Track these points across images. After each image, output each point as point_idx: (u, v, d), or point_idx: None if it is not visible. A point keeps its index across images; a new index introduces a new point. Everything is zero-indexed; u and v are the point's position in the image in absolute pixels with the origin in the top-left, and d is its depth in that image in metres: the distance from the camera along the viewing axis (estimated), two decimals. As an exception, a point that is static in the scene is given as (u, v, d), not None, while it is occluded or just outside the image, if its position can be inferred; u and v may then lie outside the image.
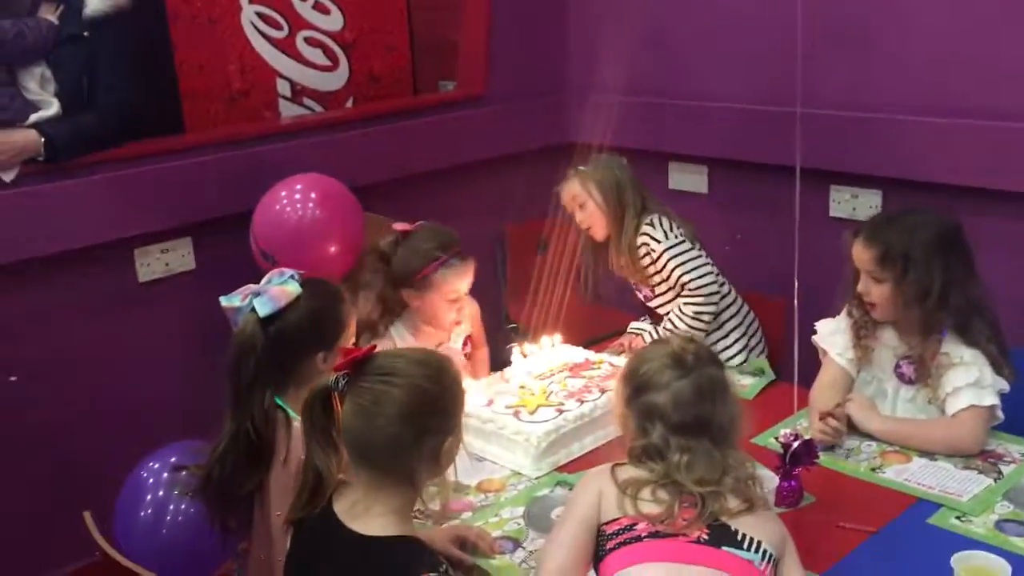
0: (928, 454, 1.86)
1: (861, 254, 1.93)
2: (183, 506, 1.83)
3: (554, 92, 3.46)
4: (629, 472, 1.46)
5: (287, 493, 1.62)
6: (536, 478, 1.87)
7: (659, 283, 2.52)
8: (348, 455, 1.40)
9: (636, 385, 1.49)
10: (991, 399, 1.87)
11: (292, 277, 1.73)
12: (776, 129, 2.70)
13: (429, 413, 1.39)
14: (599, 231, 2.56)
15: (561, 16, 3.43)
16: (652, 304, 2.60)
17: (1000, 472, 1.79)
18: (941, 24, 2.54)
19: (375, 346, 1.46)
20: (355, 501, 1.39)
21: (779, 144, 2.65)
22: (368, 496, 1.39)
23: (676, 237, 2.47)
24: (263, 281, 1.74)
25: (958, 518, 1.65)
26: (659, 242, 2.46)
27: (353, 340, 1.79)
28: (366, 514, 1.38)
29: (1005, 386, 1.89)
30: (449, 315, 2.27)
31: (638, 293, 2.63)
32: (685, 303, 2.47)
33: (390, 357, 1.42)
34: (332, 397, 1.38)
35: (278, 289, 1.70)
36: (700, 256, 2.48)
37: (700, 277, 2.44)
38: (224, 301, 1.72)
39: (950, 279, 1.87)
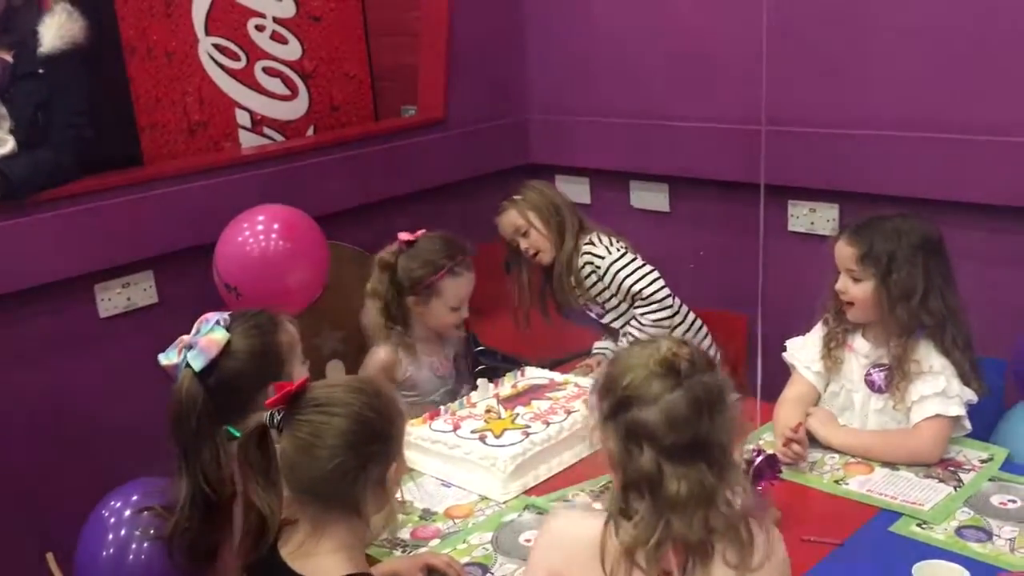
0: (890, 464, 1.89)
1: (843, 251, 1.96)
2: (146, 546, 1.81)
3: (515, 114, 3.48)
4: (609, 542, 1.25)
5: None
6: (504, 502, 1.87)
7: (608, 298, 2.55)
8: (291, 493, 1.38)
9: (618, 399, 1.26)
10: (956, 410, 1.89)
11: (218, 322, 1.70)
12: (736, 146, 2.74)
13: (372, 440, 1.38)
14: (546, 255, 2.60)
15: (521, 38, 3.45)
16: (605, 320, 2.63)
17: (960, 480, 1.81)
18: (897, 40, 2.59)
19: (308, 379, 1.44)
20: (301, 541, 1.37)
21: (739, 161, 2.70)
22: (315, 534, 1.37)
23: (618, 250, 2.52)
24: (192, 332, 1.71)
25: (919, 526, 1.67)
26: (603, 257, 2.52)
27: (300, 352, 1.77)
28: (314, 553, 1.36)
29: (973, 397, 1.92)
30: (452, 323, 2.36)
31: (589, 312, 2.65)
32: (642, 312, 2.50)
33: (325, 388, 1.41)
34: (267, 434, 1.35)
35: (206, 340, 1.67)
36: (645, 265, 2.52)
37: (650, 284, 2.49)
38: (162, 359, 1.70)
39: (931, 283, 1.91)
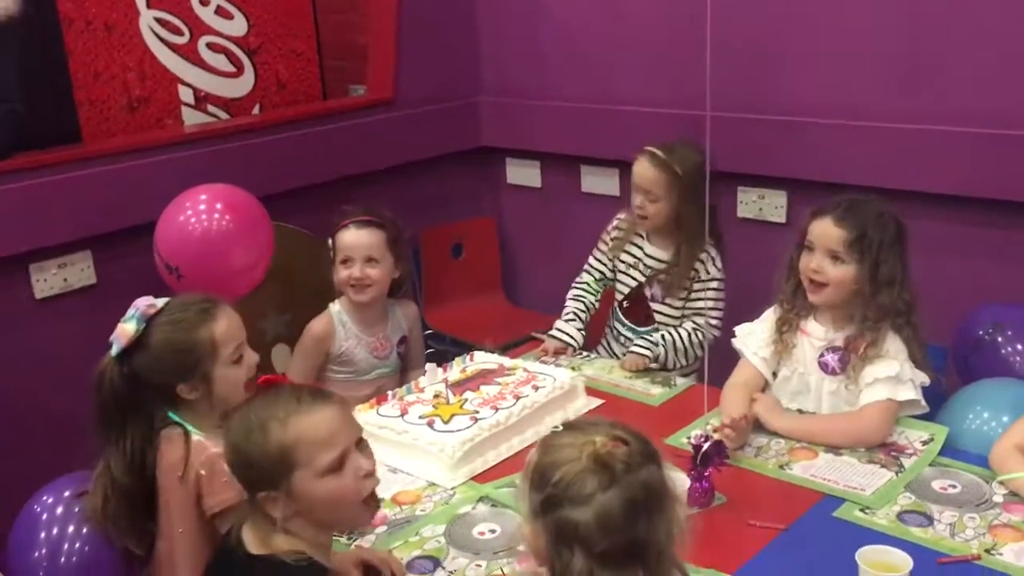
0: (833, 449, 1.90)
1: (830, 232, 1.93)
2: (78, 545, 1.76)
3: (466, 96, 3.44)
4: None
5: (188, 506, 1.62)
6: (452, 488, 1.85)
7: (682, 297, 2.49)
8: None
9: (549, 494, 1.17)
10: (907, 393, 1.92)
11: (136, 313, 1.69)
12: (686, 132, 2.74)
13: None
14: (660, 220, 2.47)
15: (471, 20, 3.42)
16: (656, 307, 2.54)
17: (901, 465, 1.84)
18: (844, 28, 2.61)
19: (284, 375, 1.47)
20: (252, 522, 1.40)
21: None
22: (253, 514, 1.39)
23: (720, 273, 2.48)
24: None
25: (862, 511, 1.69)
26: (715, 270, 2.46)
27: (235, 347, 1.73)
28: (257, 532, 1.38)
29: (926, 380, 1.95)
30: (341, 275, 2.38)
31: (647, 289, 2.53)
32: (695, 329, 2.44)
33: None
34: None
35: (119, 328, 1.68)
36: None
37: (720, 318, 2.46)
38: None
39: (905, 272, 1.94)
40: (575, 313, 2.53)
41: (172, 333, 1.70)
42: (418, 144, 3.30)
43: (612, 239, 2.58)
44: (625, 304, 2.57)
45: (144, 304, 1.70)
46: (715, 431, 1.87)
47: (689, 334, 2.43)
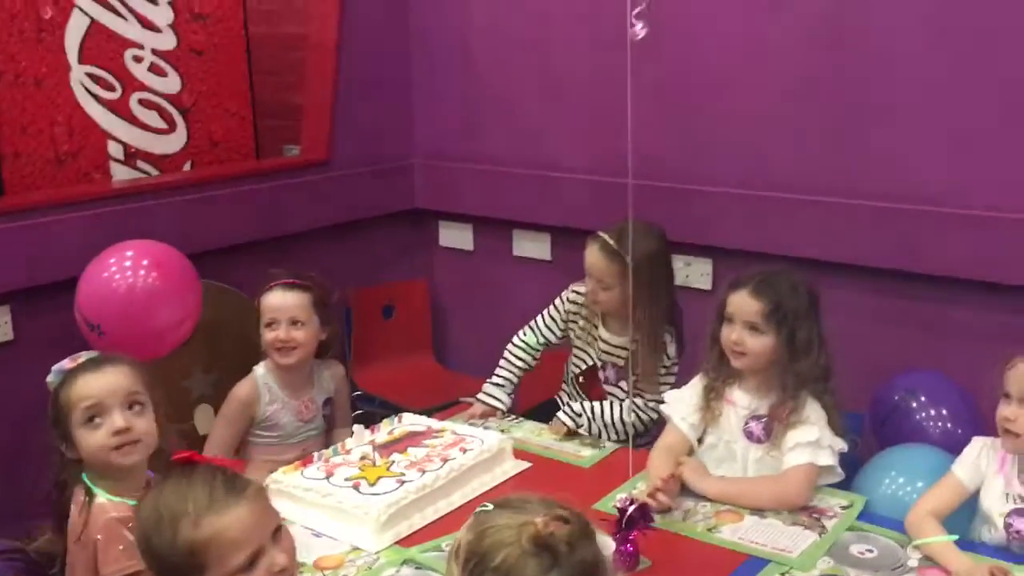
0: (759, 512, 1.93)
1: (747, 304, 1.99)
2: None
3: (400, 158, 3.48)
4: None
5: (88, 571, 1.59)
6: (376, 552, 1.82)
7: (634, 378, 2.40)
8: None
9: None
10: (826, 459, 1.97)
11: (57, 369, 1.74)
12: (613, 199, 2.79)
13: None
14: (612, 306, 2.40)
15: (406, 83, 3.46)
16: (608, 388, 2.49)
17: (824, 527, 1.87)
18: (763, 104, 2.72)
19: (194, 453, 1.43)
20: None
21: (614, 214, 2.76)
22: None
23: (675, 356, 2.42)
24: None
25: (783, 574, 1.71)
26: (671, 354, 2.40)
27: (85, 408, 1.69)
28: None
29: (844, 447, 2.00)
30: (267, 338, 2.36)
31: (600, 372, 2.50)
32: (634, 408, 2.36)
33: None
34: None
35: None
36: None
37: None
38: None
39: (820, 339, 1.99)
40: (506, 377, 2.51)
41: (58, 387, 1.71)
42: (351, 205, 3.31)
43: (567, 311, 2.52)
44: (580, 379, 2.55)
45: (68, 360, 1.73)
46: (648, 495, 1.88)
47: (621, 411, 2.36)
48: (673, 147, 2.84)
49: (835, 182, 2.63)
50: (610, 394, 2.50)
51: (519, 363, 2.54)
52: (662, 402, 2.23)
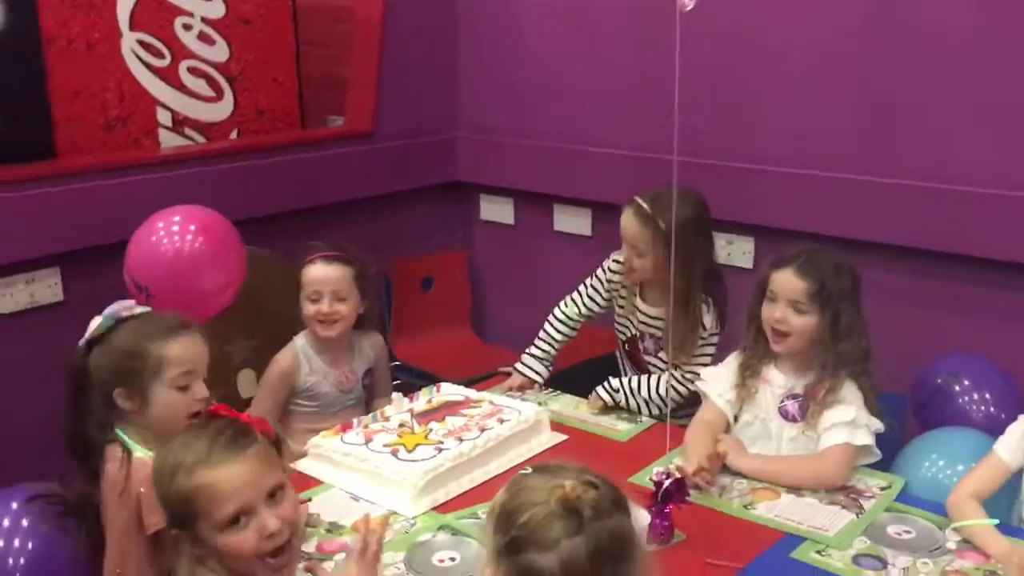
0: (795, 490, 1.93)
1: (792, 283, 1.97)
2: (31, 545, 1.75)
3: (444, 132, 3.48)
4: None
5: (130, 524, 1.62)
6: (413, 517, 1.85)
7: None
8: None
9: (512, 537, 1.14)
10: (863, 439, 1.96)
11: (111, 312, 1.74)
12: (655, 175, 2.78)
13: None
14: (646, 274, 2.39)
15: (452, 57, 3.47)
16: (648, 359, 2.49)
17: (861, 507, 1.87)
18: (810, 79, 2.68)
19: (223, 406, 1.48)
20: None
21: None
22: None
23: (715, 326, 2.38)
24: None
25: (819, 552, 1.71)
26: (710, 324, 2.35)
27: (182, 372, 1.74)
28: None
29: (880, 427, 1.98)
30: (310, 311, 2.37)
31: (640, 343, 2.49)
32: (672, 379, 2.33)
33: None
34: None
35: (93, 321, 1.74)
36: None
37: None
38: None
39: (862, 321, 1.99)
40: (544, 350, 2.52)
41: (128, 336, 1.73)
42: (394, 177, 3.32)
43: (608, 280, 2.51)
44: (626, 347, 2.56)
45: (121, 305, 1.75)
46: (693, 473, 1.88)
47: (658, 385, 2.34)
48: (717, 123, 2.81)
49: (880, 161, 2.59)
50: (650, 364, 2.49)
51: (558, 335, 2.53)
52: (699, 375, 2.22)
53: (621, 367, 2.60)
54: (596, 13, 3.09)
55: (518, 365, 2.50)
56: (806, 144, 2.72)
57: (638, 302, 2.46)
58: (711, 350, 2.38)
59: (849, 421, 1.95)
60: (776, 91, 2.75)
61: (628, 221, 2.35)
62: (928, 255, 2.55)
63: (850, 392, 1.98)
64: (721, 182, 2.79)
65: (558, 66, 3.23)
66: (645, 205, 2.32)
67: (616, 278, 2.50)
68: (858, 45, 2.59)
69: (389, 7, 3.23)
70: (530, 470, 1.24)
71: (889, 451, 2.06)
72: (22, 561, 1.78)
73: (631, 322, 2.50)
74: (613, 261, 2.50)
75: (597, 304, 2.53)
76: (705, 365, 2.32)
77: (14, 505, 1.83)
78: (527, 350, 2.53)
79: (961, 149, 2.48)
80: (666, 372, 2.37)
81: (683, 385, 2.34)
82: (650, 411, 2.35)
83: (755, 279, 2.14)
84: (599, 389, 2.38)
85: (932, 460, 2.03)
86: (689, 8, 1.67)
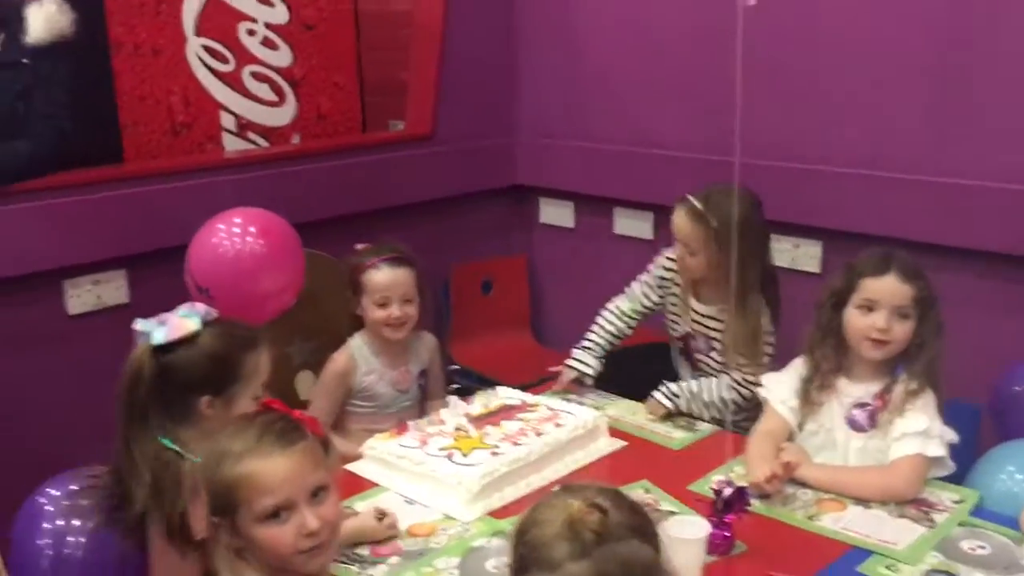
0: (863, 502, 1.86)
1: (897, 289, 1.91)
2: (83, 539, 1.76)
3: (503, 135, 3.47)
4: None
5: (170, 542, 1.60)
6: (467, 522, 1.83)
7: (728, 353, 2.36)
8: None
9: (521, 555, 1.12)
10: (936, 450, 1.88)
11: (198, 313, 1.70)
12: (718, 178, 2.72)
13: None
14: (698, 273, 2.37)
15: (511, 60, 3.45)
16: (700, 358, 2.46)
17: (932, 521, 1.79)
18: (877, 78, 2.60)
19: (276, 401, 1.48)
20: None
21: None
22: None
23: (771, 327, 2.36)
24: (174, 311, 1.73)
25: (888, 567, 1.64)
26: (766, 325, 2.32)
27: (261, 383, 1.75)
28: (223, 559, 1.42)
29: (954, 438, 1.91)
30: (378, 316, 2.35)
31: (692, 341, 2.47)
32: (732, 384, 2.32)
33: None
34: None
35: (177, 321, 1.68)
36: None
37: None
38: (139, 324, 1.71)
39: (942, 325, 1.93)
40: (595, 342, 2.47)
41: (225, 342, 1.71)
42: (453, 180, 3.32)
43: (659, 277, 2.48)
44: (680, 344, 2.52)
45: (204, 308, 1.73)
46: (765, 480, 1.83)
47: (721, 389, 2.31)
48: (780, 125, 2.74)
49: (952, 162, 2.49)
50: (701, 362, 2.45)
51: (610, 327, 2.49)
52: (759, 377, 2.17)
53: (676, 363, 2.56)
54: (656, 13, 3.04)
55: (568, 360, 2.46)
56: (875, 145, 2.63)
57: (692, 301, 2.42)
58: (770, 350, 2.33)
59: (922, 431, 1.87)
60: (843, 90, 2.67)
61: (680, 219, 2.33)
62: (1004, 259, 2.45)
63: (922, 400, 1.91)
64: (786, 184, 2.72)
65: (618, 68, 3.19)
66: (697, 203, 2.29)
67: (669, 275, 2.47)
68: (930, 41, 2.50)
69: (449, 11, 3.23)
70: (558, 488, 1.21)
71: (962, 463, 1.97)
72: (79, 550, 1.78)
73: (684, 321, 2.46)
74: (666, 258, 2.47)
75: (650, 300, 2.51)
76: (764, 367, 2.27)
77: (70, 487, 1.83)
78: (576, 346, 2.49)
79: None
80: (726, 375, 2.32)
81: (745, 387, 2.29)
82: (711, 416, 2.30)
83: (821, 284, 2.08)
84: (658, 395, 2.33)
85: (1008, 473, 1.93)
86: (752, 3, 1.62)
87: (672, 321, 2.51)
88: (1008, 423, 2.17)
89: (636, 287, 2.52)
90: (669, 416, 2.30)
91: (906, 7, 2.52)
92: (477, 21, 3.33)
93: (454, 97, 3.30)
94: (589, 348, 2.48)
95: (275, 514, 1.37)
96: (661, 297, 2.50)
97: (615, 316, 2.52)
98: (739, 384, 2.30)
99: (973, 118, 2.47)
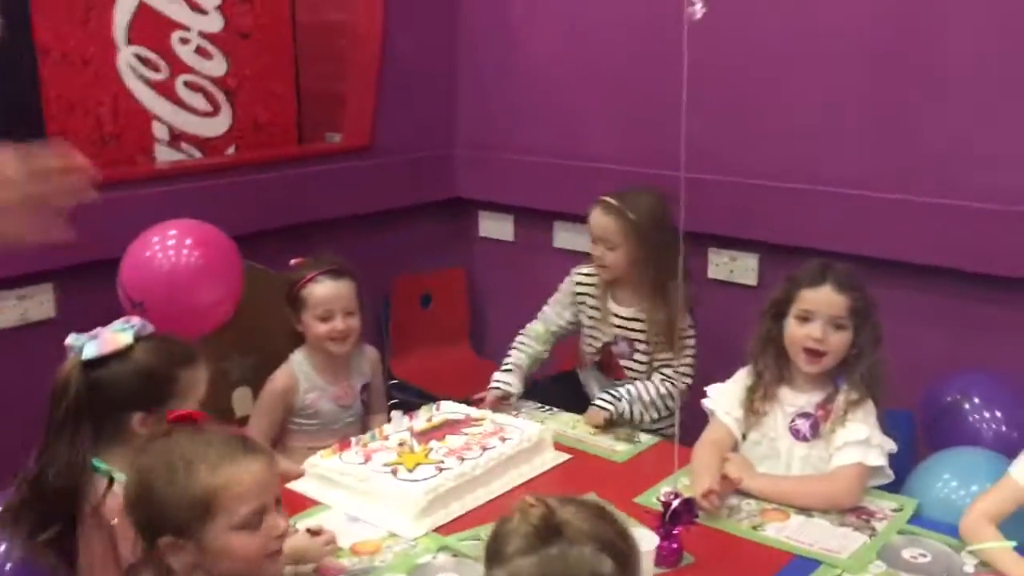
0: (805, 511, 1.88)
1: (832, 299, 1.94)
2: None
3: (441, 147, 3.45)
4: None
5: (107, 564, 1.54)
6: (413, 539, 1.80)
7: (649, 352, 2.44)
8: None
9: (489, 551, 1.15)
10: (876, 459, 1.92)
11: (132, 327, 1.66)
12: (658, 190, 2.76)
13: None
14: (620, 269, 2.45)
15: (452, 72, 3.44)
16: (624, 363, 2.50)
17: (874, 529, 1.82)
18: (818, 95, 2.65)
19: (194, 412, 1.45)
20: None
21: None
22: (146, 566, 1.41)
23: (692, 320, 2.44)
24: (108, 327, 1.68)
25: (836, 576, 1.67)
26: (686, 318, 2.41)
27: (197, 402, 1.70)
28: None
29: (893, 447, 1.94)
30: (321, 330, 2.31)
31: (613, 347, 2.51)
32: (664, 380, 2.40)
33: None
34: None
35: (109, 335, 1.64)
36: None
37: (691, 366, 2.43)
38: (71, 339, 1.67)
39: (880, 336, 1.97)
40: (513, 363, 2.50)
41: (160, 357, 1.67)
42: (392, 193, 3.29)
43: (573, 293, 2.54)
44: (597, 359, 2.54)
45: (140, 322, 1.68)
46: (702, 496, 1.83)
47: (657, 386, 2.39)
48: (718, 138, 2.77)
49: (887, 177, 2.56)
50: (626, 368, 2.48)
51: (527, 350, 2.53)
52: (689, 370, 2.25)
53: (587, 386, 2.59)
54: (598, 26, 3.06)
55: (492, 382, 2.46)
56: (811, 159, 2.68)
57: (611, 305, 2.47)
58: (692, 342, 2.42)
59: (863, 440, 1.91)
60: (781, 105, 2.72)
61: (598, 216, 2.43)
62: (936, 272, 2.51)
63: (864, 410, 1.94)
64: (723, 197, 2.76)
65: (559, 81, 3.20)
66: (612, 200, 2.40)
67: (583, 288, 2.52)
68: (867, 59, 2.56)
69: (388, 22, 3.20)
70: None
71: (901, 470, 2.01)
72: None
73: (603, 330, 2.49)
74: (577, 273, 2.54)
75: (563, 319, 2.56)
76: (688, 359, 2.38)
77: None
78: (497, 371, 2.50)
79: (971, 166, 2.44)
80: (656, 374, 2.40)
81: (676, 379, 2.36)
82: (652, 415, 2.36)
83: (759, 296, 2.11)
84: (598, 402, 2.34)
85: (944, 481, 1.98)
86: (698, 18, 1.63)
87: (589, 336, 2.54)
88: (939, 433, 2.22)
89: (548, 309, 2.58)
90: (610, 426, 2.31)
91: (846, 26, 2.58)
92: (416, 32, 3.31)
93: (393, 109, 3.27)
94: (510, 370, 2.49)
95: (251, 520, 1.35)
96: (575, 315, 2.54)
97: (531, 339, 2.55)
98: (669, 377, 2.37)
99: (903, 134, 2.54)
